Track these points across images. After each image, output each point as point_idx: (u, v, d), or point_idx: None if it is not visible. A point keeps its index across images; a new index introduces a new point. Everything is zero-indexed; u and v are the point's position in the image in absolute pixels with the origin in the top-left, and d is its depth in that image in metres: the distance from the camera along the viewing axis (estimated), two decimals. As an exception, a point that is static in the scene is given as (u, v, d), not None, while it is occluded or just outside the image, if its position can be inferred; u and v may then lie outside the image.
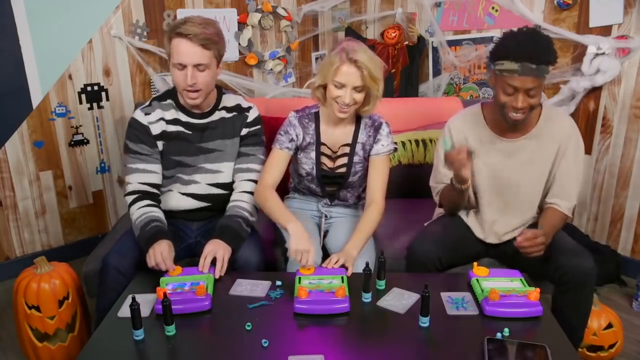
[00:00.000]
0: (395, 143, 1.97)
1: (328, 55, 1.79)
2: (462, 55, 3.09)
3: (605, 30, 2.53)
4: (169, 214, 1.82)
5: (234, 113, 1.89)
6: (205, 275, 1.58)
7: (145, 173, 1.79)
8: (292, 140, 1.86)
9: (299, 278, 1.56)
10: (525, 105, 1.65)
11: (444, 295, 1.52)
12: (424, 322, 1.38)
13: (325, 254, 1.85)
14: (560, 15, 2.68)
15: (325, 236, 1.96)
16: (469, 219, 1.93)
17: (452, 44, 3.13)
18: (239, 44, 3.06)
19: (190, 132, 1.84)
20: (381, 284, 1.57)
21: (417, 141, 2.47)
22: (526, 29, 1.68)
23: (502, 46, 1.66)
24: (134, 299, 1.32)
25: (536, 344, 1.28)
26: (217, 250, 1.65)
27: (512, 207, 1.86)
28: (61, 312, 1.91)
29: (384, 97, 1.86)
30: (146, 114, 1.81)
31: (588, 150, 2.61)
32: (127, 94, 2.82)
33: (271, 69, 3.22)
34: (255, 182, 1.86)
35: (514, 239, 1.65)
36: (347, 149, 1.90)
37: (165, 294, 1.36)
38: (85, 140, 2.76)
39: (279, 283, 1.59)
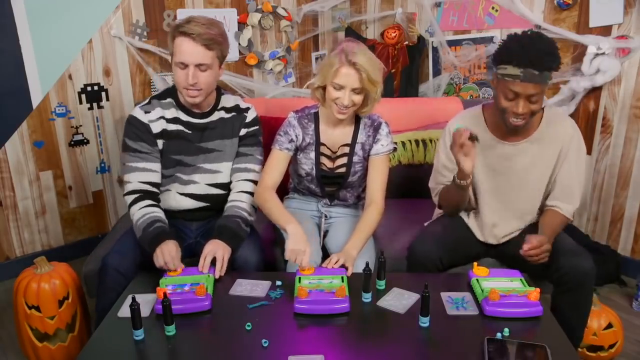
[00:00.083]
0: (395, 143, 1.97)
1: (328, 56, 1.79)
2: (462, 55, 3.09)
3: (605, 30, 2.53)
4: (168, 214, 1.81)
5: (233, 113, 1.89)
6: (205, 275, 1.58)
7: (145, 172, 1.78)
8: (291, 140, 1.86)
9: (299, 278, 1.56)
10: (526, 111, 1.63)
11: (444, 295, 1.52)
12: (424, 322, 1.38)
13: (325, 254, 1.85)
14: (560, 15, 2.68)
15: (325, 236, 1.96)
16: (470, 220, 1.92)
17: (452, 44, 3.13)
18: (239, 44, 3.06)
19: (190, 132, 1.83)
20: (381, 284, 1.57)
21: (417, 141, 2.47)
22: (530, 32, 1.64)
23: (505, 49, 1.62)
24: (134, 299, 1.32)
25: (536, 344, 1.28)
26: (216, 250, 1.65)
27: (513, 210, 1.85)
28: (61, 312, 1.91)
29: (384, 97, 1.85)
30: (146, 112, 1.80)
31: (588, 150, 2.60)
32: (127, 94, 2.82)
33: (271, 69, 3.22)
34: (253, 182, 1.85)
35: (514, 239, 1.64)
36: (346, 149, 1.90)
37: (165, 294, 1.36)
38: (85, 140, 2.76)
39: (279, 283, 1.59)
